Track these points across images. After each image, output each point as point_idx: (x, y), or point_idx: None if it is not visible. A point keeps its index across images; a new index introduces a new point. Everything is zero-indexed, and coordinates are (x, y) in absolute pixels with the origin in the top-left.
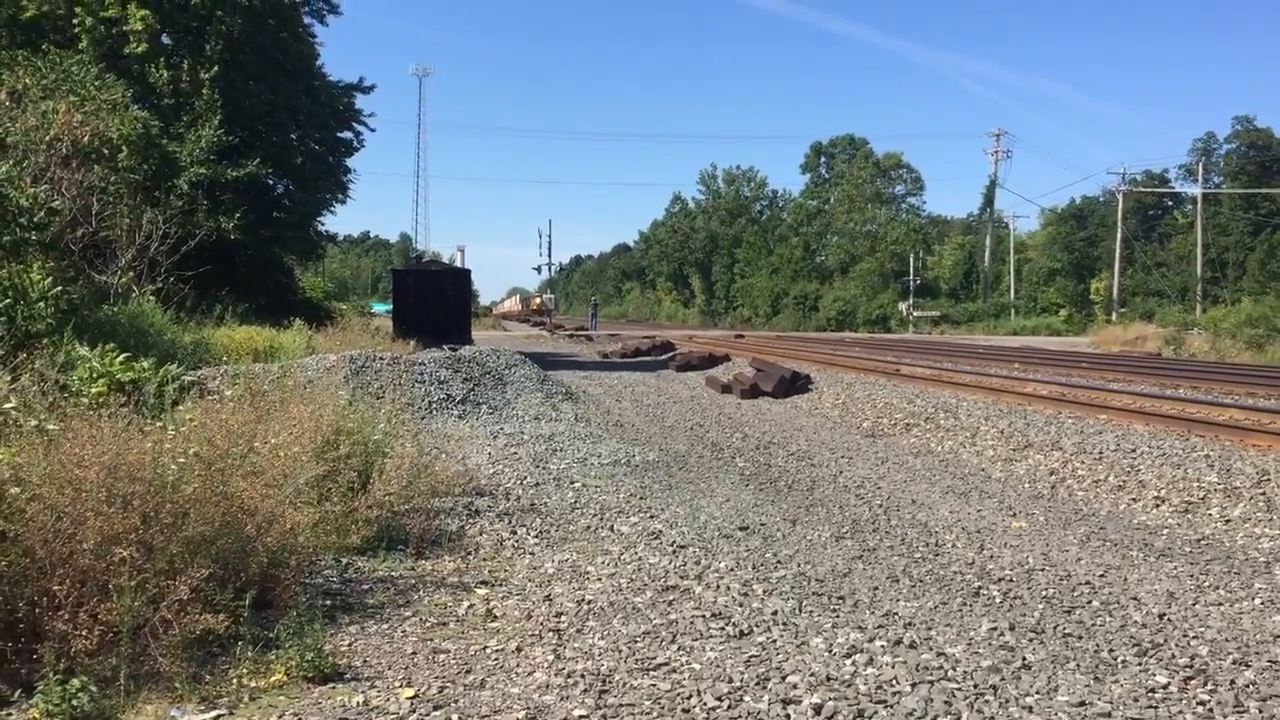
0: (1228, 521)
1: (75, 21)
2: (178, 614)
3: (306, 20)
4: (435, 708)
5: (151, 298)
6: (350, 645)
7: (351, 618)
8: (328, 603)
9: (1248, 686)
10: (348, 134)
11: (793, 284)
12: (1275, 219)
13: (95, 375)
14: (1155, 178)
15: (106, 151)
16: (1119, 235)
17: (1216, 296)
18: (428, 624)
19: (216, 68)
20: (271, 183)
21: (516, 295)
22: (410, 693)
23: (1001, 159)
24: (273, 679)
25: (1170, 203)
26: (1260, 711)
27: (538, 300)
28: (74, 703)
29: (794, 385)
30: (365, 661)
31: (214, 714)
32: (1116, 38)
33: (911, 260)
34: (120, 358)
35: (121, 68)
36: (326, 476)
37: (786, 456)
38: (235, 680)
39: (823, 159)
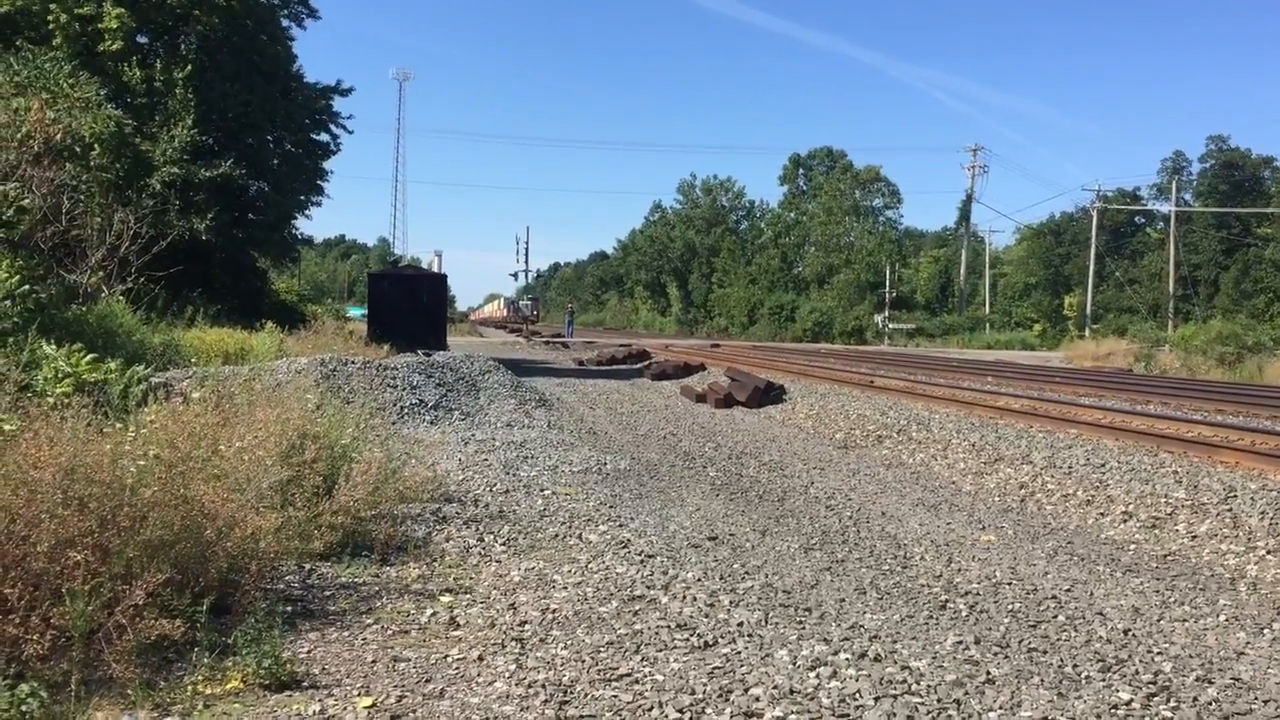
0: (1194, 538)
1: (50, 18)
2: (133, 619)
3: (284, 23)
4: (392, 717)
5: (121, 298)
6: (309, 653)
7: (312, 624)
8: (288, 609)
9: (1210, 704)
10: (324, 136)
11: (769, 294)
12: (1247, 238)
13: (61, 375)
14: (1128, 195)
15: (79, 149)
16: (1093, 252)
17: (1188, 314)
18: (389, 632)
19: (191, 67)
20: (246, 184)
21: (500, 299)
22: (368, 701)
23: (978, 174)
24: (228, 686)
25: (1142, 220)
26: None
27: (526, 302)
28: (23, 708)
29: (768, 395)
30: (324, 669)
31: None
32: (1091, 55)
33: (888, 273)
34: (87, 358)
35: (96, 65)
36: (291, 481)
37: (758, 467)
38: (190, 687)
39: (801, 171)
